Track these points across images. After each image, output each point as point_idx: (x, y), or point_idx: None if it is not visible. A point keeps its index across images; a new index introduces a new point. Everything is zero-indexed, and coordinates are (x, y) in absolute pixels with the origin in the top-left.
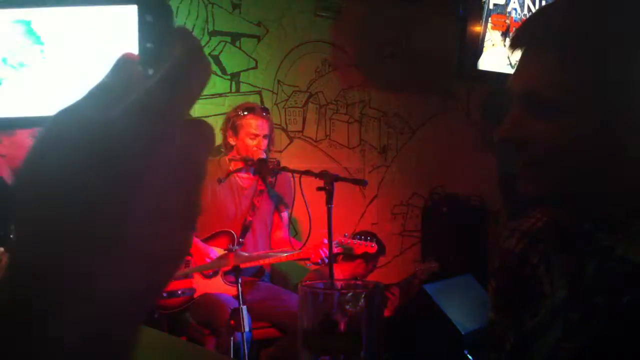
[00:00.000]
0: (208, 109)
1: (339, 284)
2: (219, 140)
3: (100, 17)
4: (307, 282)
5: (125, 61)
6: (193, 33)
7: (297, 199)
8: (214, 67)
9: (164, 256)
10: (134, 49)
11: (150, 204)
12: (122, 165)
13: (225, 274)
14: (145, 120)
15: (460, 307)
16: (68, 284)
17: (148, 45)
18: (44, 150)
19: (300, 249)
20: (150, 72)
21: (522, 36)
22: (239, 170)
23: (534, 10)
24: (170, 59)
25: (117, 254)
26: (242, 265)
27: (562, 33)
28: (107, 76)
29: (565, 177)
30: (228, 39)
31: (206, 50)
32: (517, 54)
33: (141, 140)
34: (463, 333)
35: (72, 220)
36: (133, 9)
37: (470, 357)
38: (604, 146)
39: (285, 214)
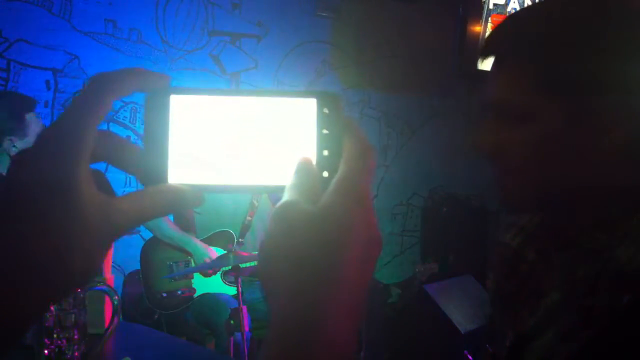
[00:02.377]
0: None
1: None
2: None
3: (287, 107)
4: None
5: (303, 163)
6: (358, 125)
7: None
8: (214, 67)
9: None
10: (313, 134)
11: (354, 268)
12: (335, 241)
13: (225, 274)
14: (345, 204)
15: (460, 307)
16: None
17: (324, 131)
18: (279, 233)
19: None
20: (326, 153)
21: (489, 47)
22: None
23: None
24: (346, 148)
25: (339, 308)
26: (242, 265)
27: (525, 40)
28: (295, 178)
29: (544, 184)
30: (228, 39)
31: (206, 51)
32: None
33: (343, 220)
34: (463, 333)
35: (310, 284)
36: (313, 102)
37: (470, 357)
38: (580, 149)
39: None
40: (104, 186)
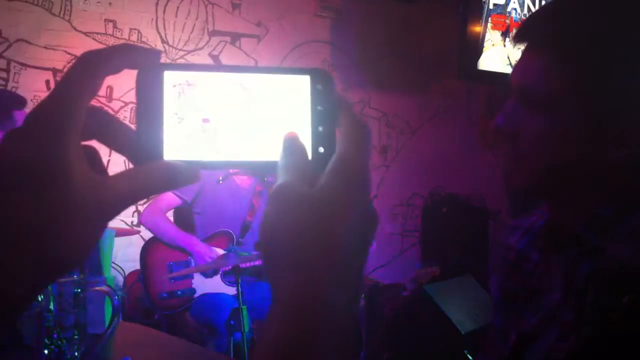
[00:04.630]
0: None
1: None
2: None
3: (280, 83)
4: None
5: (290, 139)
6: (352, 103)
7: None
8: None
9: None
10: (307, 110)
11: (350, 243)
12: (332, 219)
13: (225, 274)
14: (341, 185)
15: (460, 307)
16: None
17: (318, 107)
18: (278, 215)
19: None
20: (321, 129)
21: (523, 32)
22: (237, 172)
23: (534, 11)
24: (341, 128)
25: (341, 283)
26: (242, 265)
27: (560, 33)
28: (285, 156)
29: (549, 173)
30: (228, 39)
31: (206, 51)
32: (519, 51)
33: (339, 201)
34: (463, 333)
35: (309, 263)
36: (306, 79)
37: (470, 357)
38: (590, 147)
39: None
40: (97, 164)
